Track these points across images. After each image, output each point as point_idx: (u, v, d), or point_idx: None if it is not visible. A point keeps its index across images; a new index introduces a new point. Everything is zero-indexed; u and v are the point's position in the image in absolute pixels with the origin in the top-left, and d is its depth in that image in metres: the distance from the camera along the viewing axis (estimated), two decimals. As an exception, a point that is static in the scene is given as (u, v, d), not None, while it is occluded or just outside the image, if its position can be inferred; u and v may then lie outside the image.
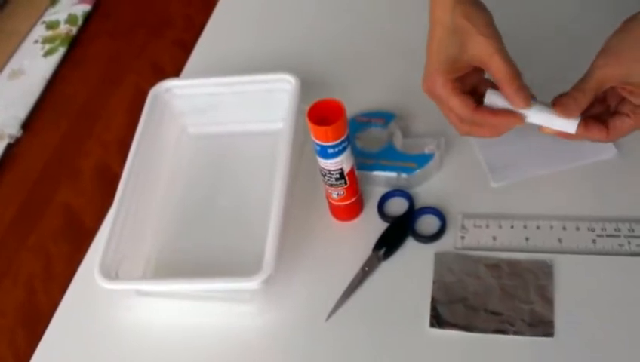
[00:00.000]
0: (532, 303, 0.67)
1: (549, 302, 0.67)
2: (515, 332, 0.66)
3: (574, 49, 0.85)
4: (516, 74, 0.66)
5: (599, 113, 0.69)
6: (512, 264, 0.70)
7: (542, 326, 0.66)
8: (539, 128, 0.69)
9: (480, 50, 0.65)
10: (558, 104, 0.67)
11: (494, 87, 0.68)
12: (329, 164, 0.71)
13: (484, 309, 0.68)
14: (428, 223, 0.75)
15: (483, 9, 0.67)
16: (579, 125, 0.67)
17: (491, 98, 0.68)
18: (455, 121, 0.70)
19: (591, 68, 0.67)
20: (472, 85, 0.69)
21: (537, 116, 0.67)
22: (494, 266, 0.70)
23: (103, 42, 1.09)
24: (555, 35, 0.89)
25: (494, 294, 0.69)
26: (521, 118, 0.67)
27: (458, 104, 0.67)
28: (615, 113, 0.68)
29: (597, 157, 0.76)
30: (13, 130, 0.97)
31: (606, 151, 0.76)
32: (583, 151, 0.76)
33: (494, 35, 0.66)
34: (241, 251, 0.75)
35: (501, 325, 0.67)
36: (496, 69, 0.65)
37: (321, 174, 0.73)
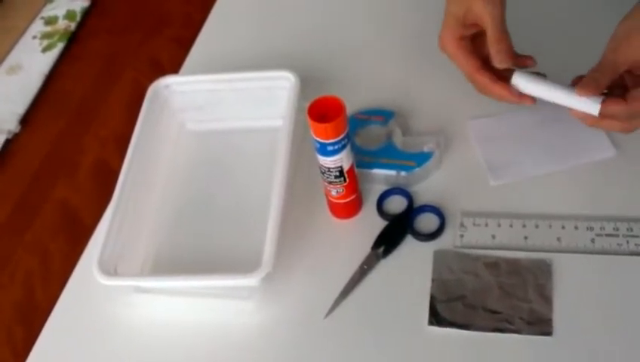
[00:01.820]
0: (531, 302, 0.67)
1: (547, 300, 0.67)
2: (514, 331, 0.66)
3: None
4: (502, 37, 0.72)
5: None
6: (511, 262, 0.70)
7: (540, 324, 0.66)
8: (569, 111, 0.71)
9: (479, 11, 0.72)
10: (578, 85, 0.69)
11: None
12: (328, 161, 0.71)
13: (483, 307, 0.68)
14: (427, 221, 0.75)
15: None
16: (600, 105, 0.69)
17: (516, 79, 0.72)
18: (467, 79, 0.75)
19: (604, 53, 0.69)
20: (484, 55, 0.75)
21: (554, 95, 0.70)
22: (493, 264, 0.70)
23: (101, 38, 1.08)
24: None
25: (493, 292, 0.69)
26: (517, 97, 0.72)
27: (461, 61, 0.75)
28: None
29: (596, 156, 0.76)
30: (11, 125, 0.96)
31: (605, 151, 0.76)
32: (583, 150, 0.76)
33: (493, 1, 0.72)
34: (240, 248, 0.75)
35: (500, 324, 0.67)
36: (487, 29, 0.72)
37: (321, 172, 0.73)
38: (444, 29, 0.75)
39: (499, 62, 0.73)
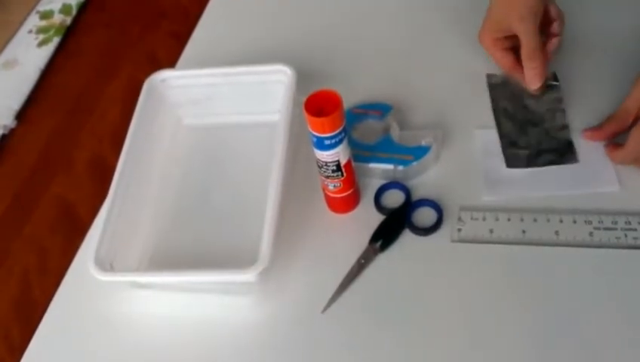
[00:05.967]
0: None
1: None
2: None
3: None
4: (534, 56, 0.76)
5: None
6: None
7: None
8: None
9: (515, 26, 0.76)
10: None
11: None
12: (325, 155, 0.71)
13: None
14: (424, 215, 0.75)
15: None
16: None
17: None
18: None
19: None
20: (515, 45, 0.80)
21: None
22: None
23: (97, 33, 1.08)
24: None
25: None
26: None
27: (497, 58, 0.82)
28: None
29: (598, 188, 0.74)
30: (7, 120, 0.96)
31: (609, 184, 0.74)
32: (585, 181, 0.74)
33: (529, 18, 0.75)
34: (238, 243, 0.75)
35: None
36: (522, 46, 0.77)
37: (318, 166, 0.73)
38: (484, 28, 0.81)
39: (529, 81, 0.78)
